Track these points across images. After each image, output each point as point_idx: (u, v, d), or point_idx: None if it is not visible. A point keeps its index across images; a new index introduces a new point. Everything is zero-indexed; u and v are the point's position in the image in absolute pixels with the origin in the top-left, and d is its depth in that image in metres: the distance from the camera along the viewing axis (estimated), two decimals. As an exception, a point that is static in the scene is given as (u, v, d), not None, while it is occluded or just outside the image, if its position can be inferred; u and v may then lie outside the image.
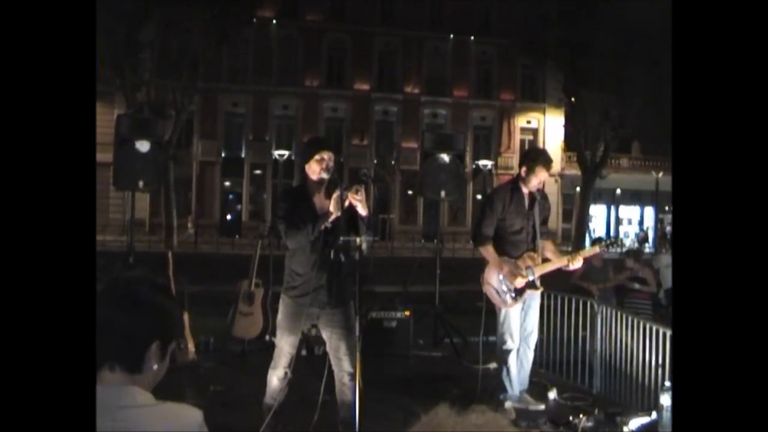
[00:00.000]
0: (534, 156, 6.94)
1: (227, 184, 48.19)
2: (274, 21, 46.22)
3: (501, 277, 6.67)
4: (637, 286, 10.75)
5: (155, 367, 2.06)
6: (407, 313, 9.16)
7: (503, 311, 6.77)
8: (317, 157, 5.40)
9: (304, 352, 7.75)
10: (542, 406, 7.03)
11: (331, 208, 5.20)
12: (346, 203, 5.19)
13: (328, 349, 5.54)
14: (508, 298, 6.69)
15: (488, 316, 6.73)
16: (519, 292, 6.69)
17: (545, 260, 6.84)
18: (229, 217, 48.05)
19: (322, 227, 5.26)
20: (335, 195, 5.20)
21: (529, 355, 7.02)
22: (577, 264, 6.79)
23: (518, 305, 6.76)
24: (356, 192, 5.20)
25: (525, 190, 6.79)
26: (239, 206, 48.39)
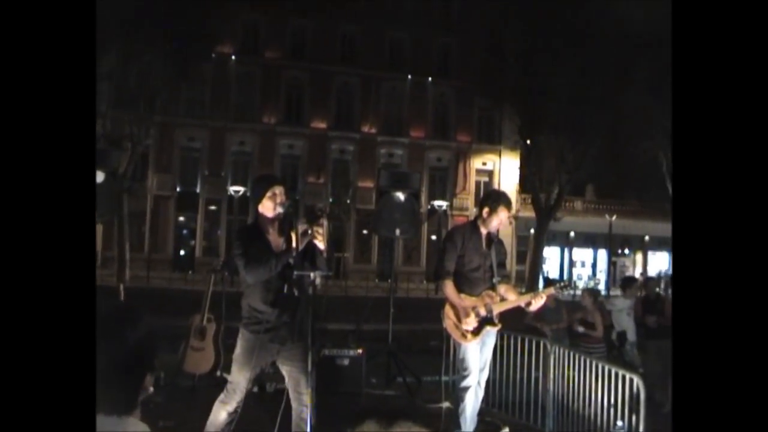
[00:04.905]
0: (496, 197, 7.14)
1: (181, 218, 47.84)
2: (233, 57, 46.28)
3: (461, 312, 6.70)
4: (581, 329, 10.78)
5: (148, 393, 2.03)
6: (360, 350, 9.10)
7: (461, 347, 6.79)
8: (269, 193, 5.43)
9: (255, 389, 7.65)
10: None
11: (294, 244, 5.22)
12: (309, 237, 5.22)
13: (287, 384, 5.47)
14: (467, 333, 6.71)
15: (440, 355, 6.69)
16: (478, 328, 6.72)
17: (503, 300, 6.88)
18: (182, 252, 47.62)
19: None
20: (300, 228, 5.22)
21: (479, 393, 7.02)
22: (538, 303, 6.81)
23: (477, 341, 6.78)
24: (321, 225, 5.24)
25: (483, 231, 6.93)
26: (193, 241, 47.99)
